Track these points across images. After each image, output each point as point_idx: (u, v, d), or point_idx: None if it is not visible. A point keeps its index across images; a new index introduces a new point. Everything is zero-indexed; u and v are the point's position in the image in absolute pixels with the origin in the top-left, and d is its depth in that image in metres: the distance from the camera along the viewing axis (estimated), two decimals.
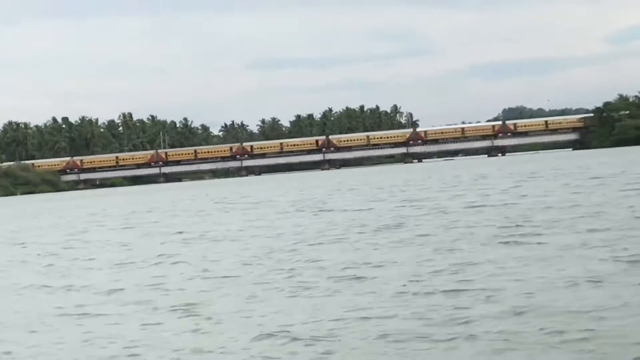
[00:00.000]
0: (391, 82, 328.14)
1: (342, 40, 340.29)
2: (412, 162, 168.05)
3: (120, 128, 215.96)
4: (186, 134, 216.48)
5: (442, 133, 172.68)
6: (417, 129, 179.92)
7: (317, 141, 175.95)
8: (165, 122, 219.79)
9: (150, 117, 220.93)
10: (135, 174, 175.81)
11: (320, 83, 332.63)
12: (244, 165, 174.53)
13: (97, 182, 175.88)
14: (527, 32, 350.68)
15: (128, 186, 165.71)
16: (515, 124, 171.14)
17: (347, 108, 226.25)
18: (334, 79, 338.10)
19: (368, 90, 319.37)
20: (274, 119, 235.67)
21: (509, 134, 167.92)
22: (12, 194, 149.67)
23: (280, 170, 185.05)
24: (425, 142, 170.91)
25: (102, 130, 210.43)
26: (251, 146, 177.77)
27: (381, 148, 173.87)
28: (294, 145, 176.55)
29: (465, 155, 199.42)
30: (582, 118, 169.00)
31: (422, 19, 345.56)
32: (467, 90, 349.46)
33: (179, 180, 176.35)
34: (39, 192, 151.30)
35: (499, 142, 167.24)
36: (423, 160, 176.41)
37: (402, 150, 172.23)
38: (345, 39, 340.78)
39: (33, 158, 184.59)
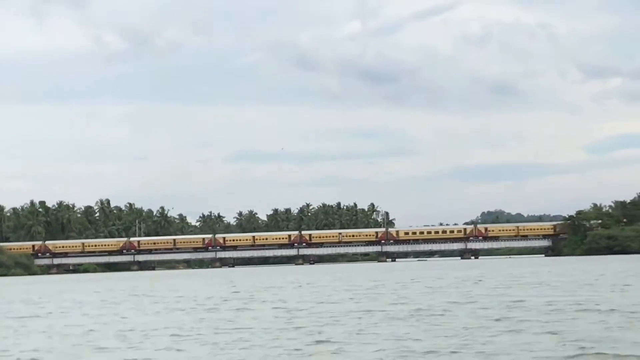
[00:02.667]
0: (372, 180, 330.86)
1: (324, 136, 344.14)
2: (385, 261, 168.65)
3: (97, 214, 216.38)
4: (162, 223, 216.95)
5: (414, 234, 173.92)
6: (390, 229, 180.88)
7: (289, 236, 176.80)
8: (142, 210, 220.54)
9: (127, 205, 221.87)
10: (109, 260, 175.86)
11: (301, 178, 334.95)
12: (218, 257, 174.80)
13: (70, 267, 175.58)
14: (509, 138, 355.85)
15: (101, 272, 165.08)
16: (486, 228, 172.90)
17: (323, 204, 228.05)
18: (314, 175, 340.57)
19: (348, 186, 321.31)
20: (250, 211, 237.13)
21: (480, 237, 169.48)
22: None
23: (255, 263, 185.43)
24: (397, 241, 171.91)
25: (78, 215, 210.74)
26: (224, 238, 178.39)
27: (354, 245, 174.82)
28: (266, 239, 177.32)
29: (442, 257, 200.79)
30: (554, 225, 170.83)
31: (406, 119, 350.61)
32: (448, 192, 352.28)
33: (153, 268, 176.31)
34: (11, 275, 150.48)
35: (472, 245, 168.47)
36: (397, 259, 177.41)
37: (377, 248, 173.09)
38: (328, 136, 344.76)
39: (8, 240, 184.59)
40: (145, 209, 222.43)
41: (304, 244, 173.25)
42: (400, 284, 50.91)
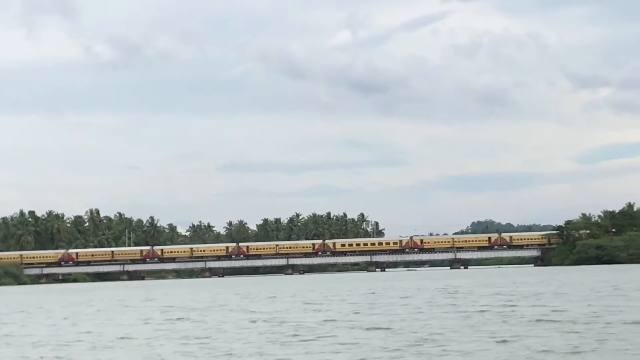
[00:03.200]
0: (362, 189, 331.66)
1: (315, 146, 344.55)
2: (375, 270, 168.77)
3: (87, 224, 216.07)
4: (152, 233, 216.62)
5: (351, 245, 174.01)
6: (327, 241, 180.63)
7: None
8: (131, 219, 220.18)
9: (117, 214, 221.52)
10: (98, 270, 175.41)
11: (291, 188, 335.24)
12: (207, 266, 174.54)
13: (60, 277, 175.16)
14: (499, 148, 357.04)
15: (90, 282, 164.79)
16: (422, 240, 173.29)
17: (313, 214, 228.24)
18: (304, 185, 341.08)
19: (338, 196, 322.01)
20: (240, 221, 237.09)
21: (416, 249, 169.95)
22: None
23: (245, 273, 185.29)
24: (334, 253, 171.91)
25: (68, 225, 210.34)
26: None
27: (345, 255, 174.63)
28: (290, 247, 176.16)
29: (432, 266, 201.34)
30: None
31: (396, 129, 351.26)
32: (437, 202, 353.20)
33: (142, 278, 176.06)
34: (0, 285, 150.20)
35: (462, 255, 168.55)
36: (386, 269, 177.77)
37: (367, 258, 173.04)
38: (318, 146, 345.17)
39: None
40: (135, 218, 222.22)
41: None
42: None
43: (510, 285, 61.39)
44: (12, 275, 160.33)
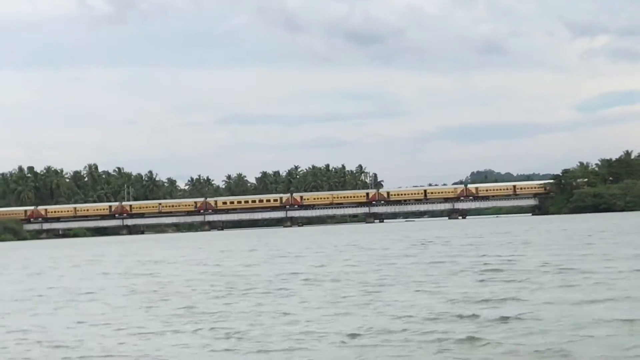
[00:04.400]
0: (360, 141, 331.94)
1: (313, 98, 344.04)
2: (373, 222, 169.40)
3: (86, 179, 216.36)
4: (151, 187, 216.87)
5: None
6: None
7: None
8: (130, 174, 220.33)
9: (116, 169, 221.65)
10: (98, 225, 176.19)
11: (290, 140, 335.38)
12: (206, 220, 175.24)
13: (60, 232, 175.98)
14: (497, 97, 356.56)
15: (90, 237, 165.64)
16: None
17: (312, 167, 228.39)
18: (302, 137, 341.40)
19: (337, 148, 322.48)
20: (239, 174, 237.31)
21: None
22: None
23: (245, 226, 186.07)
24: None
25: (67, 180, 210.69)
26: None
27: (344, 207, 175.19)
28: (260, 201, 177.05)
29: (431, 217, 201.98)
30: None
31: (394, 80, 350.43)
32: (436, 153, 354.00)
33: (142, 232, 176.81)
34: (0, 241, 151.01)
35: (460, 205, 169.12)
36: (384, 220, 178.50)
37: (365, 210, 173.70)
38: (316, 98, 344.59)
39: None
40: (134, 173, 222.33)
41: (296, 206, 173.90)
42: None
43: (484, 235, 61.31)
44: (11, 231, 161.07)
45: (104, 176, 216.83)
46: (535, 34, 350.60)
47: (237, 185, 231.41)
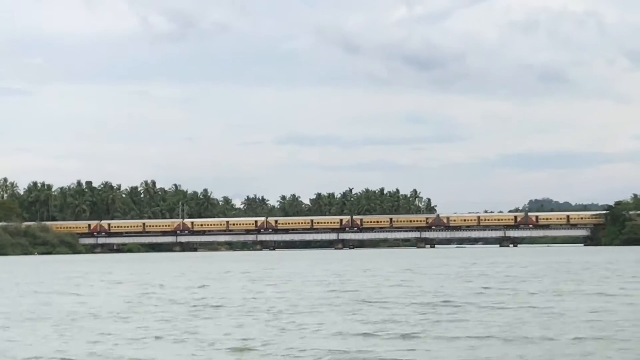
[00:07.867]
0: (416, 165, 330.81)
1: (371, 121, 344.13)
2: (424, 247, 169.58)
3: (142, 195, 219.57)
4: (205, 205, 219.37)
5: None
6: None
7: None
8: (186, 191, 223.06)
9: (173, 186, 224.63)
10: (152, 241, 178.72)
11: (346, 162, 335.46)
12: (259, 239, 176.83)
13: (114, 247, 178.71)
14: (558, 125, 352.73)
15: (144, 252, 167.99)
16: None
17: (366, 190, 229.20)
18: (359, 159, 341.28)
19: (393, 172, 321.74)
20: (293, 195, 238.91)
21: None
22: (30, 253, 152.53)
23: (297, 246, 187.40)
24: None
25: (123, 196, 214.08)
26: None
27: (400, 231, 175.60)
28: (318, 223, 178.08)
29: (485, 244, 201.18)
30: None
31: (453, 105, 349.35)
32: (493, 179, 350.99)
33: (195, 250, 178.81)
34: (56, 253, 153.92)
35: (512, 233, 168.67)
36: (436, 246, 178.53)
37: (417, 234, 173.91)
38: (374, 121, 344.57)
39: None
40: (190, 190, 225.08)
41: (355, 228, 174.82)
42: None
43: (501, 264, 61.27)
44: (67, 244, 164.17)
45: (159, 193, 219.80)
46: (596, 62, 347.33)
47: (291, 205, 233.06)
